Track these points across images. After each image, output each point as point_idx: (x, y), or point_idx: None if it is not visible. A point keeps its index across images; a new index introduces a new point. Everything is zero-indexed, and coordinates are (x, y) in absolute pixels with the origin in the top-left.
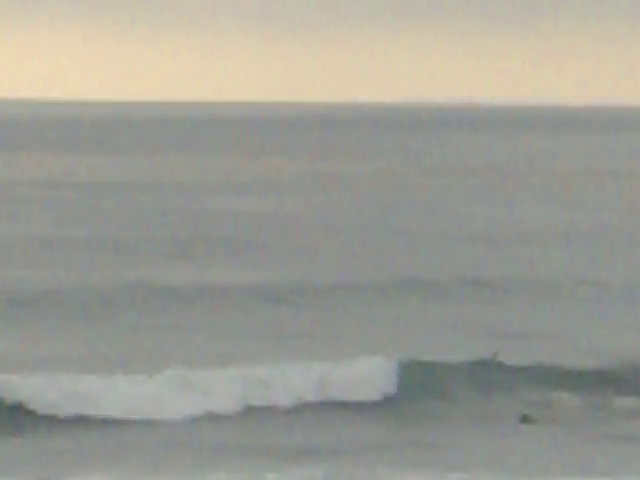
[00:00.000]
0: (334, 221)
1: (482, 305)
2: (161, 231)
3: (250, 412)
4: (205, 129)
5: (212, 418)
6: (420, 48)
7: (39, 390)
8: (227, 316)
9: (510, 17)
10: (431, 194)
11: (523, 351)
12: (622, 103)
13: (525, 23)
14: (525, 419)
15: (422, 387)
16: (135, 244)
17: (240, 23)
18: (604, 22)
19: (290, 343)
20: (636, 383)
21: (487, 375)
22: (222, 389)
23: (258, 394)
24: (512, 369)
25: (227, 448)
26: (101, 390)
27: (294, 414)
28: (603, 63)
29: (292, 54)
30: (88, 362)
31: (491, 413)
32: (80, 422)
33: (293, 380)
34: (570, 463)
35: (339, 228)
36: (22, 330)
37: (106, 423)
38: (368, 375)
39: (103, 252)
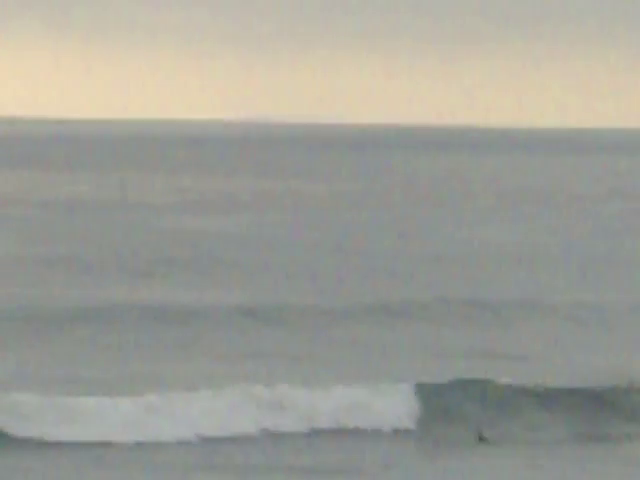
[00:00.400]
0: (306, 241)
1: (472, 327)
2: (128, 250)
3: (269, 435)
4: (176, 148)
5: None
6: (402, 70)
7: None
8: (211, 336)
9: (498, 38)
10: (416, 215)
11: (518, 372)
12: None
13: (512, 46)
14: (482, 438)
15: (445, 411)
16: (103, 263)
17: (215, 43)
18: (594, 44)
19: (278, 365)
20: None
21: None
22: (238, 411)
23: (276, 417)
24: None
25: (250, 469)
26: (94, 411)
27: (314, 439)
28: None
29: (270, 73)
30: (62, 382)
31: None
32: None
33: (313, 405)
34: None
35: (311, 249)
36: None
37: (103, 445)
38: (394, 401)
39: (72, 271)
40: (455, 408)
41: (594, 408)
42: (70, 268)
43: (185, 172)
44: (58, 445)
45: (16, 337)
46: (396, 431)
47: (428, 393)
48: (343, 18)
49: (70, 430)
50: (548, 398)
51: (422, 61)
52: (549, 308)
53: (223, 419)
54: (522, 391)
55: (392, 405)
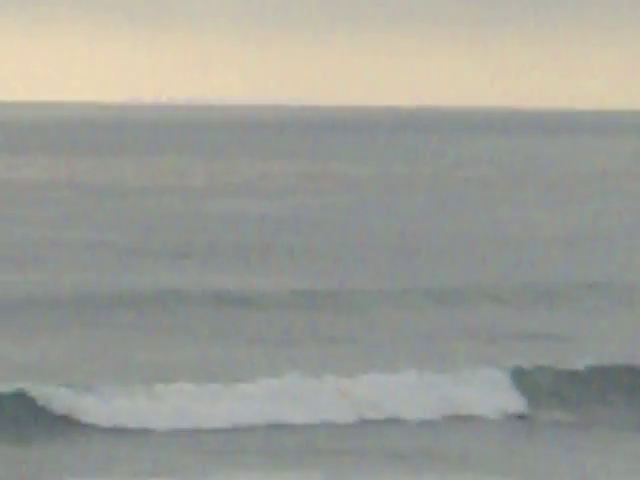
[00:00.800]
0: (350, 225)
1: (539, 310)
2: (171, 234)
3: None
4: (212, 132)
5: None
6: (420, 51)
7: (87, 401)
8: (267, 321)
9: (510, 20)
10: (463, 197)
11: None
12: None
13: (525, 27)
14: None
15: (545, 396)
16: (148, 247)
17: (238, 25)
18: (602, 26)
19: (341, 351)
20: None
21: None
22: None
23: (375, 405)
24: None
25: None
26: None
27: (418, 428)
28: (602, 67)
29: (291, 56)
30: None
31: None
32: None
33: (412, 392)
34: None
35: (354, 232)
36: (41, 336)
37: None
38: (489, 387)
39: (117, 255)
40: (553, 392)
41: None
42: (114, 252)
43: (223, 156)
44: (130, 431)
45: (64, 322)
46: (502, 417)
47: (523, 377)
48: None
49: (143, 416)
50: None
51: (452, 43)
52: (617, 289)
53: (322, 406)
54: (608, 372)
55: (492, 391)
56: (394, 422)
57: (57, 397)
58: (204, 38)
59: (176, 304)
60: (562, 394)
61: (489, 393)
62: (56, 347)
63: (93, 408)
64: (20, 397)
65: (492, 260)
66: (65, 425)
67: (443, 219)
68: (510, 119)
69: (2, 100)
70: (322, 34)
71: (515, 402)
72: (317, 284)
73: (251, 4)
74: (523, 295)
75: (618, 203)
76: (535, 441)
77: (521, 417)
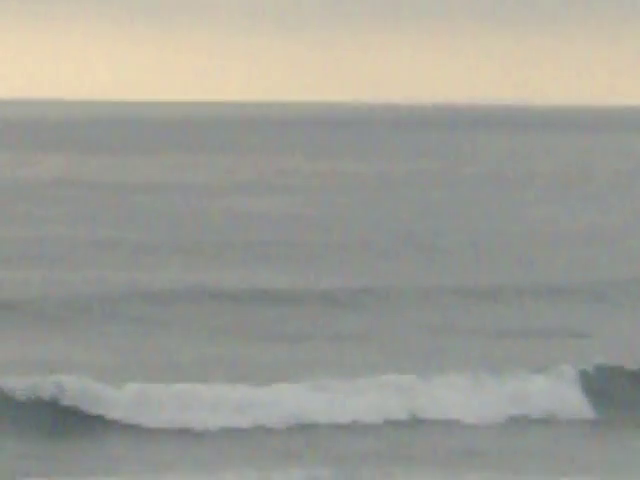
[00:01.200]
0: (362, 222)
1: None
2: (183, 232)
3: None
4: (209, 129)
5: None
6: (422, 48)
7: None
8: (303, 319)
9: (510, 16)
10: (457, 194)
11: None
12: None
13: (525, 22)
14: None
15: (610, 395)
16: (156, 245)
17: (243, 22)
18: (602, 20)
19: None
20: None
21: None
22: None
23: (429, 405)
24: None
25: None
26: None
27: (488, 430)
28: (602, 62)
29: (295, 54)
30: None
31: None
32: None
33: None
34: None
35: (368, 229)
36: (71, 335)
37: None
38: (560, 386)
39: (129, 253)
40: (617, 392)
41: None
42: (127, 250)
43: (232, 153)
44: (184, 432)
45: (79, 322)
46: (571, 418)
47: (588, 377)
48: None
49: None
50: None
51: (486, 40)
52: None
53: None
54: None
55: (560, 390)
56: (453, 424)
57: (87, 392)
58: (206, 36)
59: (188, 301)
60: (628, 394)
61: (555, 394)
62: (71, 344)
63: (122, 405)
64: (39, 393)
65: (514, 258)
66: (100, 423)
67: (459, 216)
68: (520, 115)
69: (4, 97)
70: (322, 31)
71: (581, 402)
72: (343, 282)
73: (251, 3)
74: (549, 292)
75: (634, 200)
76: (604, 442)
77: (588, 418)
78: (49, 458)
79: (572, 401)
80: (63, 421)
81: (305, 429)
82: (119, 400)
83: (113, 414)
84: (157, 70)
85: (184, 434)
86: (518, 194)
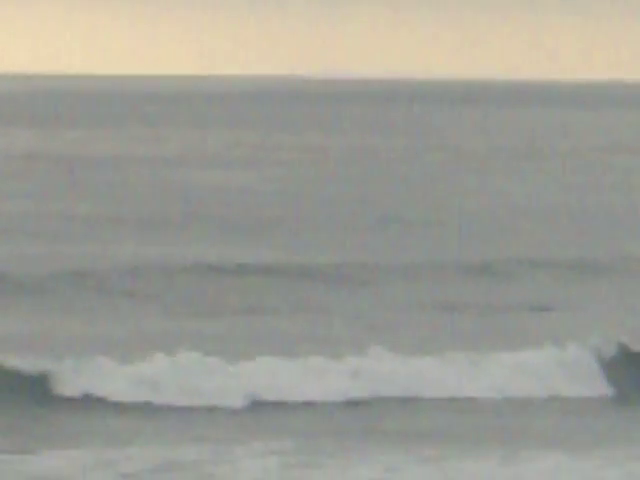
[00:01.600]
0: (346, 196)
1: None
2: (153, 205)
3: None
4: (200, 103)
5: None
6: (412, 23)
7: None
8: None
9: None
10: (452, 169)
11: None
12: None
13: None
14: None
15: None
16: (126, 218)
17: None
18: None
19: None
20: None
21: None
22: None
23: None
24: None
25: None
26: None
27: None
28: (597, 39)
29: (283, 27)
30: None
31: None
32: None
33: (493, 371)
34: None
35: (350, 203)
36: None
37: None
38: (575, 364)
39: (113, 228)
40: (625, 369)
41: None
42: (110, 226)
43: (207, 127)
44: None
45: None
46: (583, 396)
47: (606, 356)
48: None
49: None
50: None
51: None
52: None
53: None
54: None
55: (576, 369)
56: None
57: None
58: (195, 11)
59: (158, 275)
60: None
61: (572, 372)
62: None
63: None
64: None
65: (516, 232)
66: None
67: (453, 191)
68: (513, 91)
69: None
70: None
71: (599, 382)
72: (323, 257)
73: None
74: (533, 266)
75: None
76: (621, 420)
77: (603, 396)
78: (8, 432)
79: (589, 380)
80: (25, 396)
81: (267, 407)
82: (80, 374)
83: (72, 390)
84: (129, 44)
85: (145, 408)
86: (519, 169)
